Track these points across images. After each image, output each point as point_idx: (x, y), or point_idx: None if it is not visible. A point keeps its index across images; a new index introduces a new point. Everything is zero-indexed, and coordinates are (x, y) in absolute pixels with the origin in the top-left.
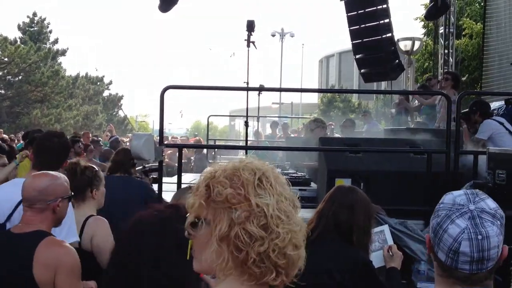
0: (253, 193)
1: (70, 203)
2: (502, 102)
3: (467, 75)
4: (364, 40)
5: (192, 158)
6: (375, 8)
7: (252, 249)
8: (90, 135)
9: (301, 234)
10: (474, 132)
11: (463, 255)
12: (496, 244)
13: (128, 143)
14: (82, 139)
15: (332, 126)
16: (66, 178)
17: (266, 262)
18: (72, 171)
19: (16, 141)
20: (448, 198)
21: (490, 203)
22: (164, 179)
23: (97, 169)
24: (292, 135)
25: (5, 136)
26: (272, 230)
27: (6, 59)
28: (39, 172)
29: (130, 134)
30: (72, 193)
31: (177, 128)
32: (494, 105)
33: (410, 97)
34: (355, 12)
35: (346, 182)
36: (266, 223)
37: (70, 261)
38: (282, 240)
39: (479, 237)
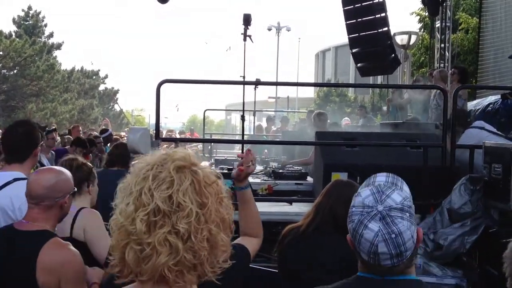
0: None
1: None
2: (498, 96)
3: None
4: (361, 34)
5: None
6: (372, 2)
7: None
8: (81, 128)
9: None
10: None
11: (383, 254)
12: (410, 236)
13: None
14: (72, 133)
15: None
16: (69, 173)
17: None
18: (69, 166)
19: None
20: (358, 201)
21: (396, 197)
22: None
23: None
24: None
25: None
26: None
27: (1, 53)
28: (43, 168)
29: (127, 129)
30: (75, 188)
31: (174, 122)
32: (490, 99)
33: (404, 92)
34: (352, 6)
35: (343, 176)
36: None
37: (76, 266)
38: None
39: (393, 235)
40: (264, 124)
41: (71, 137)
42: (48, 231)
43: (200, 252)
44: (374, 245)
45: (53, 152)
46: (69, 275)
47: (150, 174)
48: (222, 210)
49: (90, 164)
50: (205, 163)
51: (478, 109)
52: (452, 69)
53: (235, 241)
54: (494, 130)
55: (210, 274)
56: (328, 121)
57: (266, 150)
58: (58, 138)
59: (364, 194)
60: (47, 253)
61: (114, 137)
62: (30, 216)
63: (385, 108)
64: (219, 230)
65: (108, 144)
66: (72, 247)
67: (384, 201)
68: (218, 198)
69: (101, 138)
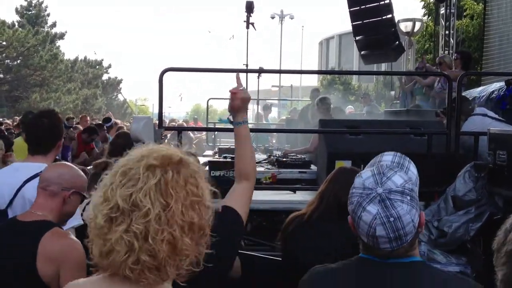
0: None
1: None
2: (503, 83)
3: None
4: (365, 21)
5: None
6: None
7: None
8: (88, 118)
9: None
10: None
11: (381, 238)
12: (410, 220)
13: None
14: (79, 124)
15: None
16: (86, 178)
17: None
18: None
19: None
20: (358, 182)
21: (397, 180)
22: None
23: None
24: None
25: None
26: None
27: (4, 43)
28: (64, 162)
29: (131, 118)
30: (88, 195)
31: (177, 111)
32: (495, 86)
33: (411, 78)
34: None
35: (347, 164)
36: None
37: (76, 255)
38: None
39: (391, 219)
40: (261, 112)
41: (79, 126)
42: (49, 222)
43: (159, 254)
44: (372, 228)
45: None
46: (69, 264)
47: (121, 169)
48: (192, 214)
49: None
50: (205, 154)
51: (483, 96)
52: (455, 54)
53: (225, 198)
54: (497, 116)
55: (173, 277)
56: (332, 105)
57: (274, 140)
58: None
59: (365, 175)
60: (47, 243)
61: (119, 126)
62: (36, 204)
63: (392, 93)
64: (183, 233)
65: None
66: (72, 236)
67: (384, 183)
68: (190, 201)
69: (105, 126)
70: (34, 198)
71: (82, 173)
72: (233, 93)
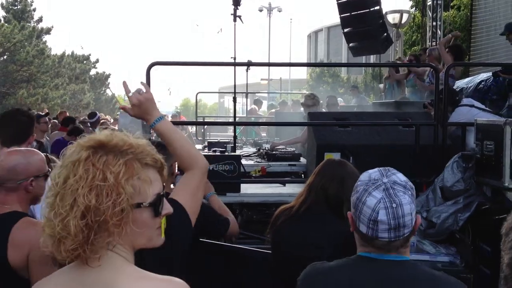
0: None
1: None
2: (489, 74)
3: None
4: (352, 13)
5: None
6: None
7: None
8: (67, 113)
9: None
10: None
11: (382, 224)
12: (409, 211)
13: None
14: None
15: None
16: (42, 155)
17: None
18: None
19: None
20: (364, 175)
21: (401, 177)
22: None
23: None
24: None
25: None
26: None
27: None
28: (10, 149)
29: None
30: (49, 170)
31: (166, 105)
32: (482, 76)
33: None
34: None
35: (336, 156)
36: None
37: None
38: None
39: (394, 205)
40: (255, 107)
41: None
42: (17, 212)
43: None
44: (375, 211)
45: (47, 138)
46: (37, 253)
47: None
48: (90, 197)
49: None
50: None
51: (470, 87)
52: (447, 48)
53: (173, 192)
54: (484, 107)
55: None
56: (321, 101)
57: (264, 134)
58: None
59: (371, 171)
60: (17, 232)
61: (102, 120)
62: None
63: (380, 86)
64: (70, 213)
65: (97, 128)
66: None
67: (389, 176)
68: (92, 184)
69: (88, 123)
70: None
71: (34, 152)
72: (124, 107)
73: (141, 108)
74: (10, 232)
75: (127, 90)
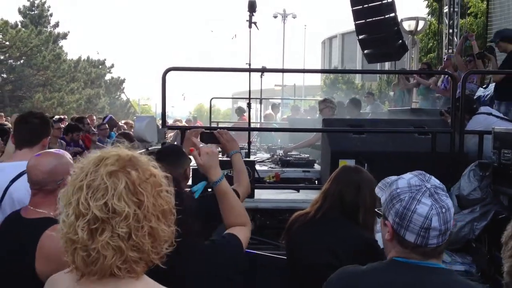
0: None
1: None
2: None
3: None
4: (367, 20)
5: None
6: None
7: None
8: (95, 117)
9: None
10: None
11: (434, 230)
12: (452, 214)
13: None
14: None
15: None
16: (69, 155)
17: None
18: None
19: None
20: (402, 182)
21: (437, 180)
22: None
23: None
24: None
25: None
26: None
27: (7, 43)
28: (41, 152)
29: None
30: None
31: (180, 111)
32: None
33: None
34: None
35: (350, 163)
36: None
37: None
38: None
39: (443, 210)
40: (272, 112)
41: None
42: (50, 219)
43: (144, 247)
44: (428, 219)
45: (62, 142)
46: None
47: (84, 183)
48: (161, 202)
49: None
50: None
51: (487, 94)
52: (468, 58)
53: (226, 232)
54: (501, 115)
55: (157, 262)
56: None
57: (279, 140)
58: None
59: (407, 177)
60: (46, 242)
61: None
62: (34, 202)
63: (391, 93)
64: (159, 222)
65: (114, 129)
66: None
67: (429, 180)
68: (156, 192)
69: (106, 125)
70: (21, 197)
71: (64, 153)
72: (192, 150)
73: (210, 159)
74: (39, 239)
75: (196, 142)
